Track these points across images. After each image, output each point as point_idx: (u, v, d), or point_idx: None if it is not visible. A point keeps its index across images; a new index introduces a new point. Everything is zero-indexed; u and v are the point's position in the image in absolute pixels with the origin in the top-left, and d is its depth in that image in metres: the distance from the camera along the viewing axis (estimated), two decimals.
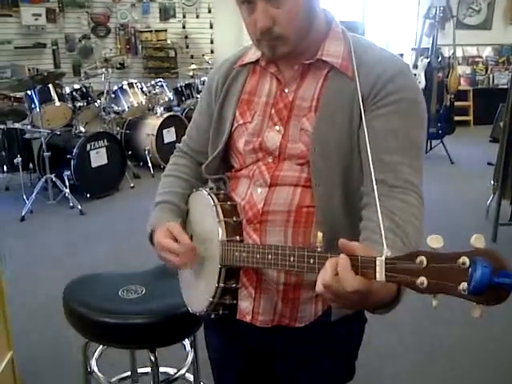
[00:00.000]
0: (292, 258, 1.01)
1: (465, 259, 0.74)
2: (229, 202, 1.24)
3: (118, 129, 5.91)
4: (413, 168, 1.10)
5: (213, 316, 1.27)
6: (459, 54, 8.03)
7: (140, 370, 2.15)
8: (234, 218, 1.21)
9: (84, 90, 5.24)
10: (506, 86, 7.78)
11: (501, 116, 5.06)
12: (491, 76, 8.18)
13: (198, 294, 1.30)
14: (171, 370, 2.08)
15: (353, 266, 0.87)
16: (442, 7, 5.84)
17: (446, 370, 2.61)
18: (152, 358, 1.73)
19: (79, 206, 4.72)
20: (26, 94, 4.83)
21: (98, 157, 5.05)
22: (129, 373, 2.15)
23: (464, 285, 0.74)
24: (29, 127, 4.86)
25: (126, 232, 4.31)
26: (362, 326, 1.34)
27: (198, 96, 6.43)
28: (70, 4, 7.71)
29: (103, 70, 5.53)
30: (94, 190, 5.07)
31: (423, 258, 0.79)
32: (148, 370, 2.15)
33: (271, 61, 1.22)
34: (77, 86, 5.25)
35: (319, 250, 0.97)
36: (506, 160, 3.86)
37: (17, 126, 4.84)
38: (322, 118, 1.14)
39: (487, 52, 8.41)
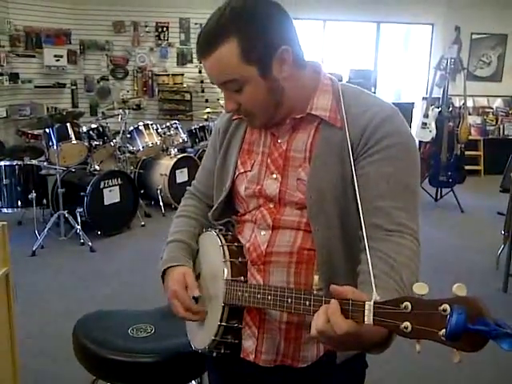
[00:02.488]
0: (289, 300, 1.05)
1: (446, 306, 0.77)
2: (236, 243, 1.29)
3: (132, 168, 6.00)
4: (407, 211, 1.13)
5: (214, 354, 1.29)
6: (470, 104, 8.14)
7: None
8: (240, 259, 1.26)
9: (101, 129, 5.35)
10: None
11: (511, 167, 5.08)
12: (501, 127, 8.26)
13: (201, 332, 1.33)
14: None
15: (343, 309, 0.90)
16: (453, 59, 5.97)
17: None
18: None
19: (90, 243, 4.75)
20: (45, 131, 4.95)
21: (111, 195, 5.12)
22: None
23: (444, 331, 0.76)
24: (45, 164, 4.95)
25: (135, 270, 4.33)
26: (363, 370, 1.35)
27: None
28: (91, 46, 8.00)
29: (120, 110, 5.67)
30: (106, 228, 5.12)
31: (408, 304, 0.81)
32: None
33: None
34: (94, 126, 5.37)
35: (315, 292, 1.01)
36: None
37: (33, 162, 4.93)
38: (316, 168, 1.19)
39: (497, 103, 8.53)
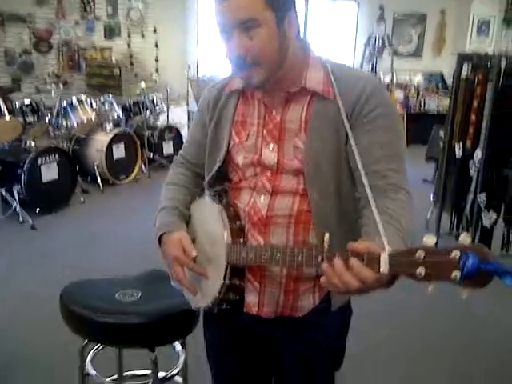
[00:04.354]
0: (300, 257, 1.15)
1: (457, 252, 0.91)
2: (231, 209, 1.37)
3: (67, 144, 5.85)
4: (398, 171, 1.27)
5: (215, 311, 1.39)
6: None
7: (126, 373, 2.21)
8: (237, 223, 1.35)
9: (34, 104, 5.19)
10: (435, 111, 8.39)
11: (435, 137, 5.45)
12: (422, 101, 8.75)
13: (202, 291, 1.41)
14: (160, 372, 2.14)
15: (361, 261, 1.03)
16: (381, 36, 6.25)
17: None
18: (152, 357, 1.81)
19: (30, 221, 4.64)
20: None
21: (49, 172, 5.00)
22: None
23: (456, 272, 0.91)
24: None
25: (80, 246, 4.32)
26: (349, 316, 1.51)
27: (147, 113, 6.51)
28: (11, 18, 7.57)
29: (52, 85, 5.50)
30: (45, 205, 4.99)
31: (421, 252, 0.95)
32: (133, 372, 2.23)
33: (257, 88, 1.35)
34: (27, 101, 5.18)
35: (326, 248, 1.11)
36: (445, 177, 4.20)
37: None
38: (312, 137, 1.30)
39: (418, 78, 9.01)
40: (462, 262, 0.90)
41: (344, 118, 1.26)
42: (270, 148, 1.34)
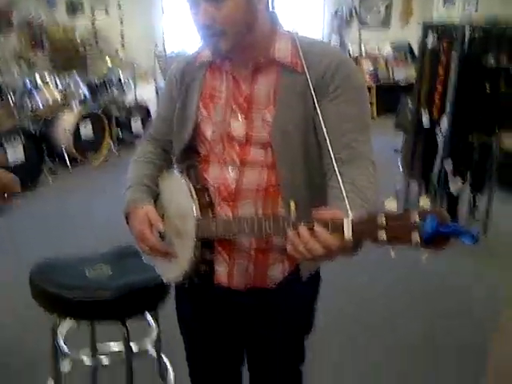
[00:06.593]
0: (268, 227, 1.15)
1: (416, 216, 0.93)
2: (200, 182, 1.37)
3: (33, 125, 5.73)
4: (364, 143, 1.29)
5: (186, 285, 1.40)
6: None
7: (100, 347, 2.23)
8: (206, 197, 1.35)
9: None
10: (404, 81, 8.43)
11: (403, 105, 5.48)
12: (391, 71, 8.78)
13: (173, 265, 1.40)
14: (133, 345, 2.15)
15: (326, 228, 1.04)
16: (349, 7, 6.23)
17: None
18: (124, 330, 1.82)
19: None
20: None
21: (15, 153, 4.91)
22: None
23: (415, 236, 0.93)
24: None
25: (50, 227, 4.28)
26: (318, 283, 1.54)
27: (115, 91, 6.40)
28: None
29: (15, 65, 5.36)
30: None
31: (382, 217, 0.97)
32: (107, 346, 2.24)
33: (225, 58, 1.34)
34: None
35: (293, 217, 1.11)
36: (413, 145, 4.26)
37: None
38: (281, 109, 1.30)
39: (387, 49, 9.03)
40: (421, 224, 0.92)
41: (312, 89, 1.26)
42: (239, 120, 1.34)
